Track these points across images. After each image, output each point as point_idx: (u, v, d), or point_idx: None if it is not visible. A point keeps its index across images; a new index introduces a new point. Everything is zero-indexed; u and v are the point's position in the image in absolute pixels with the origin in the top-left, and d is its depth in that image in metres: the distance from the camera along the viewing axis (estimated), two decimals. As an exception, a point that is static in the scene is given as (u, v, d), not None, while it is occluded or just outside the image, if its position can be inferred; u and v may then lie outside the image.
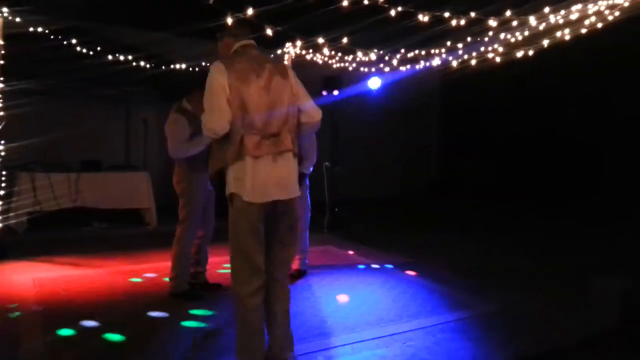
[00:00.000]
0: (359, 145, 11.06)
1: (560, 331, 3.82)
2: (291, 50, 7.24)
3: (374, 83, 7.91)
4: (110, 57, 6.45)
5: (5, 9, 5.57)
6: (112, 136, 9.34)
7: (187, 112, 4.24)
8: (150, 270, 5.18)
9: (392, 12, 5.49)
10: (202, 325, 3.75)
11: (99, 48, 6.58)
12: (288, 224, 2.92)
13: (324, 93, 7.92)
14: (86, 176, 7.41)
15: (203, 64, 7.15)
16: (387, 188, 12.32)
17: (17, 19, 5.69)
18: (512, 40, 6.53)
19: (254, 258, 2.75)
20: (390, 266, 5.61)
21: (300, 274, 5.17)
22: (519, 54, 6.57)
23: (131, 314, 3.93)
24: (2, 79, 5.45)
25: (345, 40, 6.41)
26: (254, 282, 2.75)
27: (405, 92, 11.12)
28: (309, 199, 5.17)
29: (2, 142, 5.53)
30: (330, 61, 7.48)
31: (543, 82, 10.62)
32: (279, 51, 7.31)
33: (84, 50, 6.53)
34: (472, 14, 5.85)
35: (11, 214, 6.01)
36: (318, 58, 7.38)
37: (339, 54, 7.28)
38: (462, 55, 7.21)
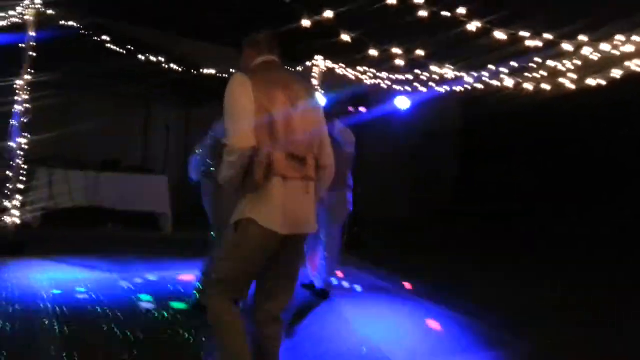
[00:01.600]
0: (378, 165, 10.90)
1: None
2: (321, 63, 7.11)
3: (402, 102, 7.74)
4: (140, 56, 6.32)
5: (38, 1, 5.47)
6: (132, 136, 9.24)
7: None
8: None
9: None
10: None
11: (128, 47, 6.47)
12: (299, 257, 2.67)
13: (350, 109, 7.78)
14: (105, 175, 7.28)
15: (232, 70, 7.01)
16: (402, 210, 12.11)
17: (50, 11, 5.59)
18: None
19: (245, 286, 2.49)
20: (414, 294, 5.36)
21: (324, 294, 4.94)
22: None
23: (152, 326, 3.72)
24: (31, 70, 5.32)
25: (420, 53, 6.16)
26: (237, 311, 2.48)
27: (426, 114, 11.01)
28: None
29: (26, 135, 5.39)
30: (361, 77, 7.33)
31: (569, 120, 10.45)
32: (309, 63, 7.18)
33: (113, 47, 6.42)
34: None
35: (27, 208, 5.84)
36: (349, 73, 7.24)
37: (371, 71, 7.12)
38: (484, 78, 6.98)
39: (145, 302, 4.24)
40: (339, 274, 5.68)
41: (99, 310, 3.89)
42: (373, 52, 6.19)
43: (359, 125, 7.53)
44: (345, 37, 5.67)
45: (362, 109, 7.78)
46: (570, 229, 10.53)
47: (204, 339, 3.48)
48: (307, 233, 2.56)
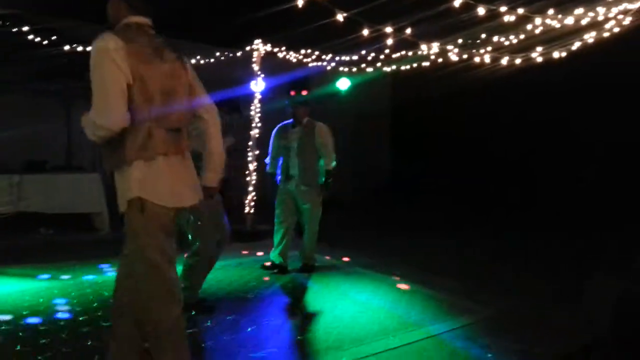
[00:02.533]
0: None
1: (564, 335, 3.79)
2: (261, 47, 6.93)
3: (343, 84, 7.75)
4: (50, 49, 5.84)
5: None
6: (53, 135, 8.60)
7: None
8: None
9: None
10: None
11: (38, 39, 5.95)
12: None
13: (292, 93, 7.68)
14: (30, 178, 6.73)
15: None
16: (340, 191, 12.19)
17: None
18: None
19: (170, 277, 2.35)
20: (373, 272, 5.42)
21: (310, 268, 5.32)
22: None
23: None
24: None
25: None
26: (173, 307, 2.34)
27: (357, 93, 11.11)
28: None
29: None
30: (305, 60, 7.22)
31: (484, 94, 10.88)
32: (248, 47, 6.97)
33: (30, 39, 5.89)
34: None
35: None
36: (292, 56, 7.11)
37: (313, 54, 7.05)
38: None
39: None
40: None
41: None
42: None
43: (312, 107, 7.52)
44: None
45: (304, 92, 7.71)
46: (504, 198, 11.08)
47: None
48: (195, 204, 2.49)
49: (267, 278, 5.14)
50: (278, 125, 5.57)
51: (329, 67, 7.41)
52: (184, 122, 2.43)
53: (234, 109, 4.36)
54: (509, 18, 4.80)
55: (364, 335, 3.63)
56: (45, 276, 4.83)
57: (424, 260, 6.03)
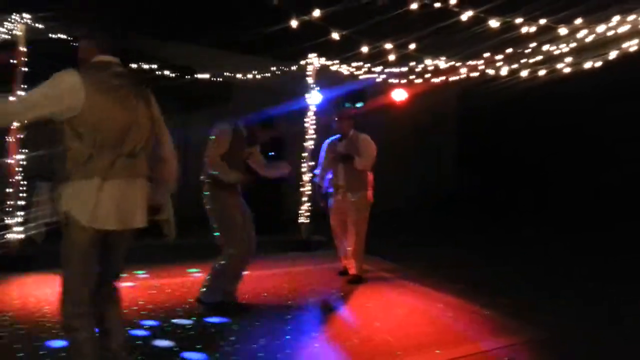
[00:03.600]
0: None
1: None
2: (315, 60, 7.09)
3: (399, 95, 7.73)
4: (134, 65, 6.30)
5: (27, 15, 5.46)
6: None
7: (239, 132, 4.25)
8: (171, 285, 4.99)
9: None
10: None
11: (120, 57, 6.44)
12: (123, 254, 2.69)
13: (347, 105, 7.80)
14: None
15: (225, 73, 7.03)
16: (404, 201, 12.08)
17: (39, 25, 5.59)
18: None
19: (80, 289, 2.47)
20: (424, 287, 5.33)
21: (358, 280, 5.34)
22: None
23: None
24: (24, 86, 5.31)
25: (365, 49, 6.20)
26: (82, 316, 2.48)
27: (423, 104, 10.99)
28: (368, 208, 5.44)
29: (24, 151, 5.39)
30: (355, 72, 7.30)
31: (563, 102, 10.42)
32: (303, 62, 7.16)
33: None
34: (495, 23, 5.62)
35: (30, 224, 5.84)
36: (344, 69, 7.21)
37: (365, 66, 7.11)
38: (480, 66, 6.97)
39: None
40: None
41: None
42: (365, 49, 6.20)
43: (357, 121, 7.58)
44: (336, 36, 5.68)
45: (359, 105, 7.81)
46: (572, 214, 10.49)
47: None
48: (127, 229, 2.56)
49: (312, 286, 5.23)
50: (327, 140, 5.73)
51: (378, 79, 7.40)
52: (138, 151, 2.54)
53: (265, 126, 4.52)
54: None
55: (399, 348, 3.60)
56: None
57: (476, 275, 5.86)
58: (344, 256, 5.66)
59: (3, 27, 5.40)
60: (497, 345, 3.73)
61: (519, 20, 5.22)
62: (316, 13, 5.33)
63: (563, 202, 10.70)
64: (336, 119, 5.53)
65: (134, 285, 5.00)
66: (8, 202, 5.46)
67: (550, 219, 10.33)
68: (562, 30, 5.16)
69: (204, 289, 4.25)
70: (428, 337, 3.87)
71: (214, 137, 4.18)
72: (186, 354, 3.34)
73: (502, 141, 12.77)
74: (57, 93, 2.37)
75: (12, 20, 5.41)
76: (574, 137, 11.49)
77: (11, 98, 2.48)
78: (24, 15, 5.46)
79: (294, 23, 5.41)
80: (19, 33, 5.45)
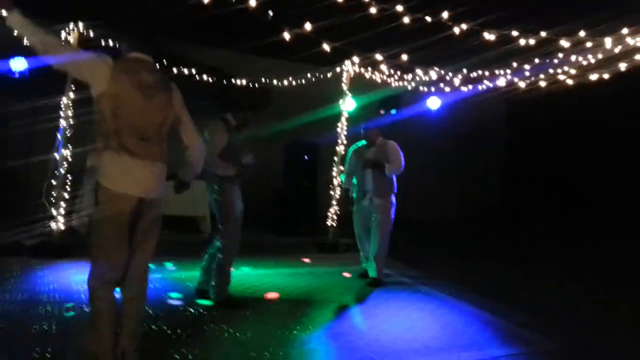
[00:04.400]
0: (417, 166, 10.81)
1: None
2: (350, 68, 7.22)
3: (434, 103, 7.72)
4: (174, 70, 6.66)
5: (80, 23, 5.91)
6: (176, 147, 9.68)
7: (229, 124, 4.42)
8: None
9: (456, 30, 5.40)
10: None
11: (164, 62, 6.82)
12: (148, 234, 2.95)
13: (382, 112, 7.87)
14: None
15: (263, 80, 7.28)
16: (444, 213, 11.94)
17: (91, 33, 6.03)
18: (585, 63, 6.23)
19: (107, 259, 2.79)
20: (443, 294, 5.33)
21: (377, 283, 5.44)
22: (593, 76, 6.24)
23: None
24: (74, 87, 5.75)
25: (404, 57, 6.31)
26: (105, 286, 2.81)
27: (468, 115, 10.89)
28: (392, 213, 5.54)
29: (70, 147, 5.82)
30: (389, 79, 7.38)
31: (620, 109, 10.03)
32: (338, 69, 7.31)
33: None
34: (543, 34, 5.64)
35: (74, 215, 6.27)
36: (377, 77, 7.30)
37: (398, 73, 7.18)
38: (529, 77, 6.93)
39: (175, 299, 4.49)
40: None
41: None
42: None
43: (392, 127, 7.65)
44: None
45: (393, 111, 7.86)
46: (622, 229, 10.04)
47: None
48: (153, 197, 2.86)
49: (330, 286, 5.36)
50: (354, 145, 5.89)
51: (410, 87, 7.44)
52: (152, 136, 2.85)
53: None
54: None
55: (402, 350, 3.65)
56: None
57: (503, 287, 5.80)
58: (366, 259, 5.75)
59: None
60: (504, 353, 3.71)
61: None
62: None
63: (614, 224, 10.23)
64: (363, 129, 5.67)
65: (162, 277, 5.30)
66: (54, 194, 5.89)
67: (597, 238, 9.92)
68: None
69: (215, 288, 4.42)
70: (437, 341, 3.90)
71: (209, 136, 4.32)
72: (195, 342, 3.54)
73: (554, 153, 12.34)
74: (93, 61, 2.75)
75: (67, 30, 5.88)
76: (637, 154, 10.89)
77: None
78: (78, 23, 5.92)
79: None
80: (72, 40, 5.90)
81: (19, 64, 5.79)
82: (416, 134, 9.93)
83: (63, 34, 5.91)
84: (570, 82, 6.88)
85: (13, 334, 3.43)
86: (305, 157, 8.80)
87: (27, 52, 5.80)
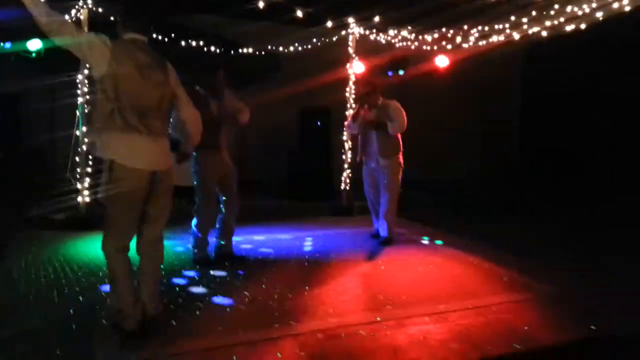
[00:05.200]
0: (431, 125, 10.88)
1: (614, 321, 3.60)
2: (355, 30, 7.24)
3: (442, 62, 7.71)
4: (182, 42, 6.79)
5: (89, 0, 6.06)
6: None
7: (198, 92, 4.61)
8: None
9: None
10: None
11: (172, 34, 6.96)
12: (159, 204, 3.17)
13: (390, 74, 7.90)
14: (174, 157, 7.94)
15: (269, 47, 7.36)
16: (461, 170, 11.98)
17: (100, 9, 6.18)
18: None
19: (121, 226, 3.06)
20: (451, 248, 5.52)
21: (388, 241, 5.63)
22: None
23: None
24: (88, 65, 5.94)
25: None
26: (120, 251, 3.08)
27: (479, 70, 10.77)
28: (399, 172, 5.66)
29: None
30: (393, 41, 7.37)
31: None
32: (343, 32, 7.34)
33: (159, 37, 6.93)
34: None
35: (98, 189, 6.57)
36: (381, 38, 7.31)
37: (401, 34, 7.17)
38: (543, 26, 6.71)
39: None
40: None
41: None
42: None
43: (400, 88, 7.69)
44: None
45: (401, 72, 7.88)
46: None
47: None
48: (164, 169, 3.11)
49: (342, 246, 5.61)
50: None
51: (412, 47, 7.41)
52: (151, 112, 3.03)
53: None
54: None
55: (407, 300, 3.87)
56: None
57: (519, 242, 5.89)
58: (377, 219, 5.93)
59: (69, 12, 6.03)
60: (506, 300, 3.90)
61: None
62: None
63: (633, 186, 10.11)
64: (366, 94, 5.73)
65: (184, 242, 5.60)
66: (78, 169, 6.20)
67: (616, 198, 9.88)
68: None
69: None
70: (441, 291, 4.09)
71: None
72: (216, 299, 3.82)
73: (578, 110, 12.10)
74: (93, 43, 2.90)
75: (77, 6, 6.05)
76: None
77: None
78: (87, 0, 6.08)
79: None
80: (82, 17, 6.07)
81: (35, 44, 6.00)
82: (427, 93, 9.95)
83: (73, 12, 6.09)
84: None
85: (51, 298, 3.76)
86: (318, 122, 8.93)
87: (42, 34, 6.10)
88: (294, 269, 4.68)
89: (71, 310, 3.48)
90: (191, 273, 4.49)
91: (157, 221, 3.21)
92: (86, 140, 6.06)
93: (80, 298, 3.76)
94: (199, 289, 4.06)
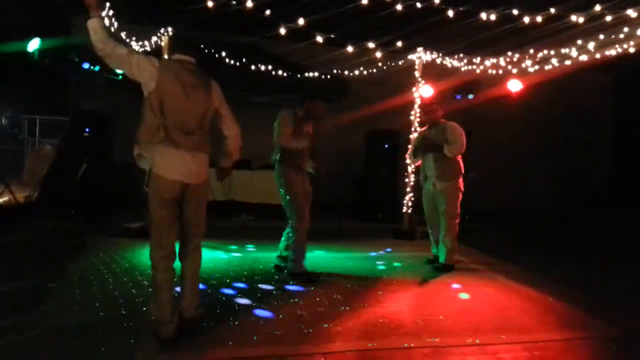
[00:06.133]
0: (507, 153, 10.50)
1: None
2: (422, 55, 7.24)
3: (514, 86, 7.45)
4: (253, 67, 7.17)
5: (170, 29, 6.61)
6: (264, 139, 10.27)
7: (296, 114, 4.94)
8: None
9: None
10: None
11: (244, 59, 7.37)
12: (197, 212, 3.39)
13: (457, 97, 7.77)
14: (237, 174, 8.30)
15: (334, 71, 7.55)
16: (540, 200, 11.38)
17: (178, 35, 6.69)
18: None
19: (162, 235, 3.27)
20: (509, 279, 5.25)
21: (446, 268, 5.54)
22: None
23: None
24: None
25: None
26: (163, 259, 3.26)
27: (564, 93, 10.30)
28: (459, 196, 5.58)
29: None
30: (459, 64, 7.27)
31: None
32: (410, 56, 7.36)
33: (233, 62, 7.38)
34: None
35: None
36: (447, 62, 7.24)
37: (468, 59, 7.06)
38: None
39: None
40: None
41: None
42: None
43: (468, 112, 7.56)
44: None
45: (470, 96, 7.73)
46: None
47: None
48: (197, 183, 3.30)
49: (396, 269, 5.55)
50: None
51: (476, 70, 7.24)
52: (193, 129, 3.26)
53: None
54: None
55: (445, 330, 3.75)
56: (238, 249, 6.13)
57: (583, 278, 5.56)
58: (436, 244, 5.80)
59: (149, 40, 6.62)
60: (555, 337, 3.67)
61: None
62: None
63: None
64: (424, 111, 5.72)
65: (242, 256, 5.84)
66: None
67: None
68: None
69: (290, 262, 4.96)
70: (487, 323, 3.91)
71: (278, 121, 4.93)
72: (257, 311, 3.95)
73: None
74: (141, 62, 3.17)
75: (158, 35, 6.63)
76: None
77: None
78: (169, 29, 6.64)
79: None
80: (163, 44, 6.63)
81: (34, 44, 6.21)
82: (502, 119, 9.64)
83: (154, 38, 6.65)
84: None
85: (114, 297, 4.11)
86: (386, 145, 8.95)
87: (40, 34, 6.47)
88: (341, 289, 4.70)
89: (123, 311, 3.77)
90: (241, 284, 4.67)
91: (193, 231, 3.42)
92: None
93: (137, 300, 4.05)
94: (243, 300, 4.21)
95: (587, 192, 11.93)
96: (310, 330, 3.60)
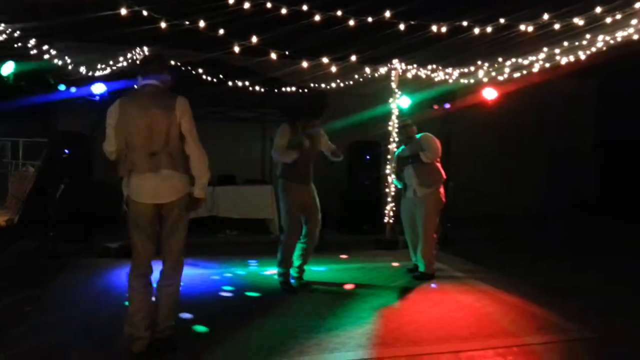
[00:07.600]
0: (487, 160, 10.59)
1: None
2: (397, 65, 7.32)
3: (489, 94, 7.54)
4: (230, 83, 7.20)
5: (145, 49, 6.66)
6: (248, 153, 10.28)
7: (295, 126, 4.99)
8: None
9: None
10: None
11: (221, 75, 7.39)
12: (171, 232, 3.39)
13: (435, 107, 7.85)
14: (221, 189, 8.29)
15: (312, 85, 7.61)
16: (523, 206, 11.42)
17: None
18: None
19: (138, 254, 3.34)
20: (490, 287, 5.26)
21: (425, 276, 5.56)
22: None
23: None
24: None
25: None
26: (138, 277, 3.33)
27: (544, 100, 10.45)
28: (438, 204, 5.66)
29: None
30: (432, 75, 7.38)
31: None
32: (383, 68, 7.45)
33: (209, 78, 7.39)
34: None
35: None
36: (422, 72, 7.34)
37: (441, 69, 7.16)
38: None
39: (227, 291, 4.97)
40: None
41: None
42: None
43: (449, 121, 7.63)
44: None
45: (447, 106, 7.82)
46: None
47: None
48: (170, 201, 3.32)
49: (375, 279, 5.57)
50: (397, 149, 6.26)
51: (451, 80, 7.35)
52: (159, 150, 3.26)
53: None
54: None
55: (424, 337, 3.77)
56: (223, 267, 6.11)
57: (563, 282, 5.57)
58: (415, 253, 5.83)
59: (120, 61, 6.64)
60: (530, 342, 3.70)
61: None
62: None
63: None
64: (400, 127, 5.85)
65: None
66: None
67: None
68: None
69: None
70: (464, 330, 3.94)
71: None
72: (225, 325, 3.94)
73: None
74: (109, 116, 3.35)
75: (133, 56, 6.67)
76: None
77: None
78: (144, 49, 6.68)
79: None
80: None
81: (99, 89, 6.60)
82: (479, 127, 9.76)
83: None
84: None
85: (93, 317, 4.09)
86: (367, 156, 8.98)
87: (105, 78, 6.73)
88: (315, 301, 4.70)
89: (101, 331, 3.75)
90: (229, 293, 4.66)
91: (170, 249, 3.41)
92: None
93: (116, 320, 4.02)
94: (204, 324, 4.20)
95: (573, 198, 12.02)
96: (288, 344, 3.60)
